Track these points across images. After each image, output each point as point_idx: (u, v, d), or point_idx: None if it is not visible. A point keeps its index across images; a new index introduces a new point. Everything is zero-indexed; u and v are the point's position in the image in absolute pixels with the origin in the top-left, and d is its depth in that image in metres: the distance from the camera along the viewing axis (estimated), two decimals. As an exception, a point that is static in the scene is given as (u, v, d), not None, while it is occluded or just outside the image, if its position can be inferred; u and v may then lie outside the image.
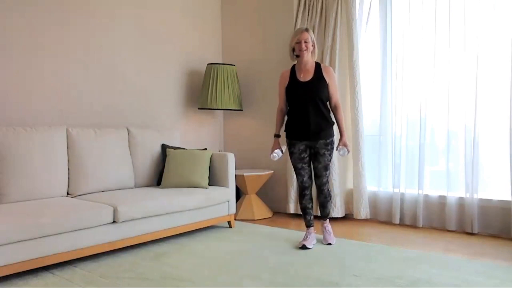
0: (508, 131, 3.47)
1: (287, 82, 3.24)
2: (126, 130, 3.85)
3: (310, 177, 3.29)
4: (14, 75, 3.40)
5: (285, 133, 3.30)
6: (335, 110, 3.24)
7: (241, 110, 4.73)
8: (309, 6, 4.35)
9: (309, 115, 3.13)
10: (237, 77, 4.64)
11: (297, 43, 3.15)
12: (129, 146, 3.80)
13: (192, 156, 3.78)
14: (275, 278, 2.56)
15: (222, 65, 4.50)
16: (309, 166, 3.28)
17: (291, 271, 2.68)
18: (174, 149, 3.90)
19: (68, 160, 3.37)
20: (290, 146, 3.26)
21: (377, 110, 4.16)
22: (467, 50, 3.65)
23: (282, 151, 3.31)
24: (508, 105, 3.45)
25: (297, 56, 3.18)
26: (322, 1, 4.27)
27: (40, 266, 2.60)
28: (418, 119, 3.90)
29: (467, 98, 3.67)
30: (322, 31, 4.27)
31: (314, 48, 3.19)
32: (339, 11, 4.16)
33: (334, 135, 3.24)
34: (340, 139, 3.22)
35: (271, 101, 4.80)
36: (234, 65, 4.64)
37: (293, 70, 3.26)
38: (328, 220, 3.43)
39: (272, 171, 4.59)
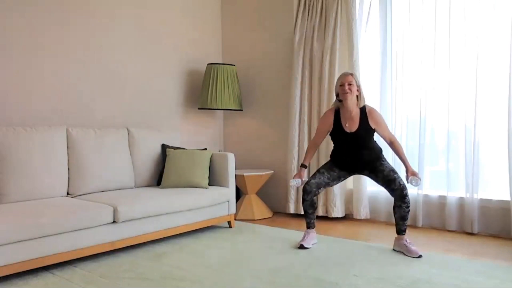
0: (507, 131, 3.47)
1: (330, 128, 3.20)
2: (126, 130, 3.85)
3: (318, 186, 3.16)
4: (14, 75, 3.40)
5: (330, 158, 3.30)
6: (391, 145, 3.17)
7: (241, 110, 4.73)
8: (309, 6, 4.35)
9: (353, 159, 3.14)
10: (237, 77, 4.65)
11: (340, 86, 3.10)
12: (129, 146, 3.80)
13: (192, 156, 3.78)
14: (275, 278, 2.56)
15: (222, 65, 4.50)
16: (329, 180, 3.20)
17: (291, 271, 2.68)
18: (174, 149, 3.90)
19: (68, 160, 3.37)
20: (330, 161, 3.26)
21: (377, 110, 4.16)
22: (467, 50, 3.65)
23: (302, 182, 3.26)
24: (507, 105, 3.45)
25: (340, 100, 3.15)
26: (322, 1, 4.27)
27: (40, 266, 2.59)
28: (418, 119, 3.90)
29: (467, 98, 3.67)
30: (322, 31, 4.28)
31: (359, 93, 3.13)
32: (339, 11, 4.17)
33: (381, 153, 3.19)
34: (407, 170, 3.08)
35: (271, 101, 4.80)
36: (234, 65, 4.64)
37: (337, 114, 3.19)
38: (405, 233, 3.09)
39: (272, 171, 4.59)
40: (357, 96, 3.12)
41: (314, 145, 3.33)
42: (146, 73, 4.36)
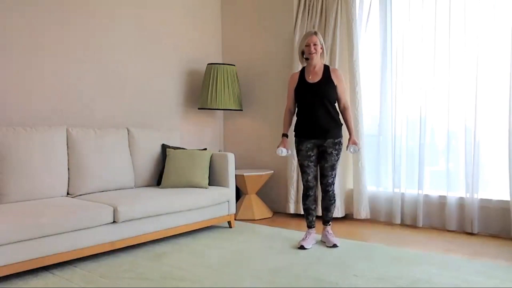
0: (507, 132, 3.48)
1: (296, 84, 3.28)
2: (126, 130, 3.85)
3: (315, 178, 3.28)
4: (14, 75, 3.40)
5: (294, 132, 3.34)
6: (344, 111, 3.27)
7: (241, 110, 4.73)
8: (309, 6, 4.35)
9: (317, 115, 3.17)
10: (237, 77, 4.64)
11: (306, 46, 3.19)
12: (129, 146, 3.80)
13: (192, 156, 3.78)
14: (275, 278, 2.56)
15: (222, 65, 4.50)
16: (315, 166, 3.28)
17: (291, 271, 2.68)
18: (174, 149, 3.90)
19: (68, 160, 3.37)
20: (298, 144, 3.28)
21: (377, 110, 4.16)
22: (467, 50, 3.65)
23: (288, 150, 3.32)
24: (508, 105, 3.46)
25: (307, 59, 3.23)
26: (322, 1, 4.27)
27: (40, 266, 2.59)
28: (418, 119, 3.90)
29: (467, 98, 3.67)
30: (322, 31, 4.27)
31: (323, 51, 3.24)
32: (339, 11, 4.17)
33: (342, 136, 3.25)
34: (350, 138, 3.24)
35: (271, 101, 4.80)
36: (234, 65, 4.64)
37: (302, 72, 3.30)
38: (330, 225, 3.36)
39: (272, 171, 4.59)
40: (320, 54, 3.23)
41: (288, 111, 3.39)
42: (146, 73, 4.36)
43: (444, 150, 3.86)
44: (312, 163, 3.26)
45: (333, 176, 3.24)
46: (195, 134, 4.85)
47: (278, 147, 3.32)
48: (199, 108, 4.61)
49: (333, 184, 3.27)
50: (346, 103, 3.27)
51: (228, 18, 5.12)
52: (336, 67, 4.14)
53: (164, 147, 3.98)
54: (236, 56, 5.06)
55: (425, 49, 3.86)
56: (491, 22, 3.56)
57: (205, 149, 4.00)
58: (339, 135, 3.22)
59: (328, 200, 3.29)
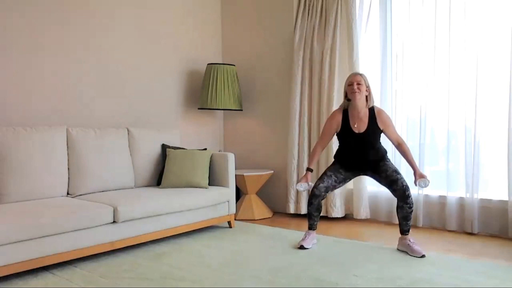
0: (506, 132, 3.48)
1: (338, 128, 3.19)
2: (126, 130, 3.85)
3: (326, 189, 3.17)
4: (14, 75, 3.40)
5: (334, 158, 3.30)
6: (399, 147, 3.16)
7: (241, 110, 4.73)
8: (309, 6, 4.35)
9: (359, 159, 3.14)
10: (237, 77, 4.64)
11: (349, 85, 3.10)
12: (129, 146, 3.80)
13: (192, 156, 3.78)
14: (275, 278, 2.56)
15: (222, 65, 4.50)
16: (336, 182, 3.20)
17: (291, 271, 2.68)
18: (174, 149, 3.90)
19: (68, 160, 3.37)
20: (335, 162, 3.25)
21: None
22: (467, 50, 3.65)
23: (309, 185, 3.23)
24: (508, 105, 3.46)
25: (349, 100, 3.14)
26: (322, 1, 4.27)
27: (40, 266, 2.59)
28: (418, 119, 3.90)
29: (467, 98, 3.67)
30: (322, 31, 4.27)
31: (369, 93, 3.12)
32: (339, 11, 4.17)
33: (386, 154, 3.21)
34: (415, 173, 3.07)
35: (271, 101, 4.80)
36: (234, 65, 4.64)
37: (345, 114, 3.17)
38: (408, 233, 3.09)
39: (272, 171, 4.59)
40: (366, 97, 3.12)
41: (320, 147, 3.28)
42: (146, 73, 4.36)
43: (444, 150, 3.86)
44: (335, 177, 3.18)
45: (403, 178, 3.05)
46: (195, 134, 4.85)
47: (299, 181, 3.23)
48: (199, 108, 4.61)
49: (409, 189, 3.02)
50: (399, 139, 3.16)
51: (228, 18, 5.12)
52: (336, 67, 4.14)
53: (164, 147, 3.98)
54: (236, 56, 5.06)
55: (425, 49, 3.86)
56: (491, 22, 3.56)
57: (205, 149, 4.00)
58: (383, 158, 3.16)
59: (408, 208, 3.02)
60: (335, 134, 3.25)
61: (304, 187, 3.20)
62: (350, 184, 4.27)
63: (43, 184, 3.15)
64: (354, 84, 3.06)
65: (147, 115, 4.36)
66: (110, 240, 2.95)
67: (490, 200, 3.63)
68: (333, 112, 3.27)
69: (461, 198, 3.73)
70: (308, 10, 4.36)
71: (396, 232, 3.74)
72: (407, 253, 3.01)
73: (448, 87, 3.76)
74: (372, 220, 4.22)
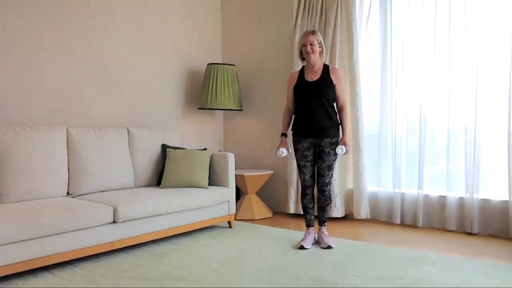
0: (506, 132, 3.47)
1: (295, 82, 3.28)
2: (126, 130, 3.85)
3: (312, 177, 3.28)
4: (14, 75, 3.40)
5: (292, 131, 3.34)
6: (340, 110, 3.26)
7: (241, 110, 4.73)
8: (309, 6, 4.35)
9: (314, 113, 3.17)
10: (237, 77, 4.64)
11: (303, 45, 3.19)
12: (129, 146, 3.80)
13: (192, 156, 3.78)
14: (275, 278, 2.56)
15: (222, 65, 4.50)
16: (312, 165, 3.28)
17: (291, 271, 2.68)
18: (174, 149, 3.90)
19: (68, 160, 3.37)
20: (295, 143, 3.29)
21: (377, 110, 4.16)
22: (467, 50, 3.65)
23: (288, 150, 3.32)
24: (507, 105, 3.46)
25: (303, 58, 3.24)
26: (322, 1, 4.27)
27: (40, 266, 2.60)
28: (418, 119, 3.90)
29: (467, 98, 3.67)
30: (322, 31, 4.27)
31: (322, 50, 3.22)
32: (339, 11, 4.17)
33: (340, 136, 3.25)
34: (341, 139, 3.22)
35: (271, 101, 4.80)
36: (234, 65, 4.64)
37: (302, 71, 3.30)
38: (325, 226, 3.35)
39: (272, 171, 4.59)
40: (320, 52, 3.22)
41: (287, 110, 3.39)
42: (146, 73, 4.36)
43: (444, 150, 3.86)
44: (309, 163, 3.26)
45: (330, 176, 3.24)
46: (195, 134, 4.85)
47: (278, 148, 3.31)
48: (199, 108, 4.61)
49: (330, 184, 3.26)
50: (344, 102, 3.25)
51: (228, 18, 5.12)
52: (336, 67, 4.14)
53: (164, 147, 3.98)
54: (236, 56, 5.06)
55: (425, 49, 3.86)
56: (491, 22, 3.56)
57: (205, 149, 4.00)
58: (336, 135, 3.22)
59: (324, 200, 3.29)
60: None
61: (284, 152, 3.29)
62: (350, 184, 4.28)
63: (43, 184, 3.15)
64: (307, 45, 3.16)
65: (147, 115, 4.36)
66: (110, 240, 2.95)
67: (490, 200, 3.63)
68: (291, 73, 3.42)
69: (461, 198, 3.73)
70: (308, 10, 4.36)
71: (396, 232, 3.74)
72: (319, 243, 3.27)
73: (448, 87, 3.76)
74: (372, 220, 4.22)
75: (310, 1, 4.34)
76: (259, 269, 2.72)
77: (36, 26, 3.52)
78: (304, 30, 4.33)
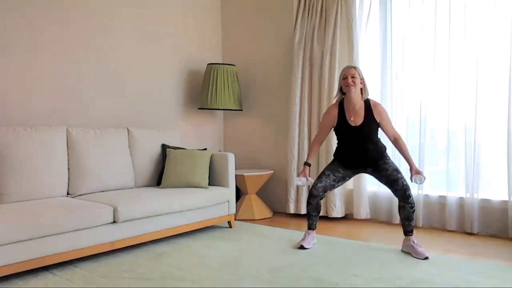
0: (506, 132, 3.47)
1: (335, 122, 3.17)
2: (126, 130, 3.85)
3: (324, 189, 3.16)
4: (14, 75, 3.40)
5: (334, 156, 3.28)
6: (395, 143, 3.14)
7: (241, 110, 4.73)
8: (309, 6, 4.35)
9: (358, 154, 3.11)
10: (237, 77, 4.64)
11: (344, 78, 3.07)
12: (129, 146, 3.80)
13: (192, 156, 3.78)
14: (275, 278, 2.56)
15: (222, 65, 4.50)
16: (335, 181, 3.18)
17: (291, 271, 2.68)
18: (174, 149, 3.90)
19: (68, 160, 3.37)
20: (334, 161, 3.24)
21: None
22: (467, 50, 3.65)
23: (307, 179, 3.21)
24: (507, 105, 3.46)
25: (344, 93, 3.13)
26: (322, 1, 4.27)
27: (40, 266, 2.59)
28: (418, 119, 3.90)
29: (467, 98, 3.67)
30: (322, 31, 4.28)
31: (363, 86, 3.11)
32: (339, 11, 4.17)
33: (385, 150, 3.17)
34: (411, 169, 3.06)
35: (271, 101, 4.80)
36: (234, 65, 4.64)
37: (341, 108, 3.16)
38: (413, 234, 3.07)
39: (272, 171, 4.59)
40: (361, 90, 3.11)
41: (318, 142, 3.28)
42: (146, 73, 4.36)
43: (444, 150, 3.86)
44: (333, 177, 3.16)
45: (403, 178, 3.03)
46: (195, 134, 4.85)
47: (298, 176, 3.22)
48: (199, 108, 4.61)
49: (410, 188, 3.01)
50: (395, 134, 3.14)
51: (228, 18, 5.12)
52: (336, 67, 4.14)
53: (164, 147, 3.98)
54: (236, 56, 5.06)
55: (425, 49, 3.86)
56: (491, 22, 3.56)
57: (205, 149, 4.00)
58: (383, 155, 3.13)
59: (410, 208, 3.00)
60: (332, 129, 3.24)
61: (303, 182, 3.19)
62: (350, 184, 4.28)
63: (43, 184, 3.15)
64: (348, 77, 3.04)
65: (147, 115, 4.36)
66: (110, 240, 2.95)
67: (490, 200, 3.63)
68: (329, 106, 3.26)
69: (461, 198, 3.73)
70: (308, 10, 4.36)
71: (396, 232, 3.74)
72: (410, 254, 3.00)
73: (448, 87, 3.76)
74: (372, 220, 4.22)
75: (310, 1, 4.35)
76: (259, 269, 2.72)
77: (36, 26, 3.52)
78: (305, 30, 4.34)
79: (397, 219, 3.99)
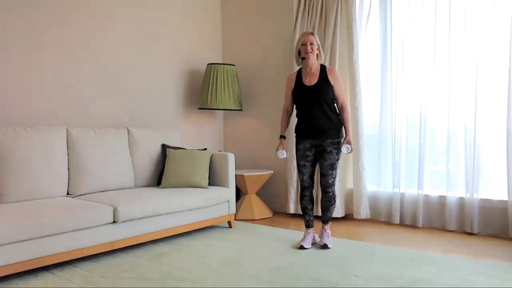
0: (506, 132, 3.47)
1: (293, 86, 3.29)
2: (126, 130, 3.85)
3: (311, 177, 3.29)
4: (14, 75, 3.40)
5: (294, 133, 3.35)
6: (341, 110, 3.25)
7: (241, 110, 4.73)
8: (309, 6, 4.35)
9: (314, 116, 3.18)
10: (237, 77, 4.64)
11: (302, 45, 3.20)
12: (129, 146, 3.80)
13: (192, 156, 3.78)
14: (275, 278, 2.56)
15: (222, 65, 4.50)
16: (312, 166, 3.28)
17: (291, 271, 2.68)
18: (174, 149, 3.90)
19: (68, 160, 3.37)
20: (297, 143, 3.30)
21: (377, 110, 4.16)
22: (467, 50, 3.65)
23: (287, 152, 3.33)
24: (506, 105, 3.45)
25: (303, 58, 3.23)
26: (322, 1, 4.27)
27: (40, 266, 2.60)
28: (418, 119, 3.90)
29: (467, 98, 3.67)
30: (322, 31, 4.27)
31: (319, 51, 3.24)
32: (339, 11, 4.17)
33: (342, 136, 3.24)
34: (345, 138, 3.21)
35: (271, 101, 4.80)
36: (234, 65, 4.64)
37: (299, 73, 3.30)
38: (329, 224, 3.35)
39: (272, 171, 4.59)
40: (317, 55, 3.23)
41: (285, 112, 3.39)
42: (146, 73, 4.36)
43: (444, 150, 3.86)
44: (309, 163, 3.27)
45: (333, 176, 3.22)
46: (195, 134, 4.85)
47: (277, 149, 3.32)
48: (199, 108, 4.61)
49: (333, 185, 3.24)
50: (344, 102, 3.24)
51: (228, 18, 5.12)
52: (336, 67, 4.14)
53: (164, 147, 3.98)
54: (236, 56, 5.06)
55: (425, 49, 3.86)
56: (491, 22, 3.56)
57: (205, 149, 4.00)
58: (338, 135, 3.22)
59: (328, 201, 3.27)
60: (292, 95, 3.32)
61: (284, 154, 3.30)
62: (350, 184, 4.28)
63: (43, 184, 3.15)
64: (307, 44, 3.16)
65: (147, 115, 4.36)
66: (110, 240, 2.95)
67: (490, 200, 3.63)
68: (289, 75, 3.40)
69: (461, 198, 3.73)
70: (308, 10, 4.36)
71: (396, 232, 3.74)
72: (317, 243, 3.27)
73: (448, 87, 3.76)
74: (372, 220, 4.22)
75: (310, 1, 4.34)
76: (259, 269, 2.72)
77: (36, 26, 3.52)
78: (304, 30, 4.34)
79: (397, 219, 3.99)
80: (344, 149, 3.16)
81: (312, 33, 3.21)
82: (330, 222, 3.39)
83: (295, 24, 4.41)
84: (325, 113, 3.18)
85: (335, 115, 3.23)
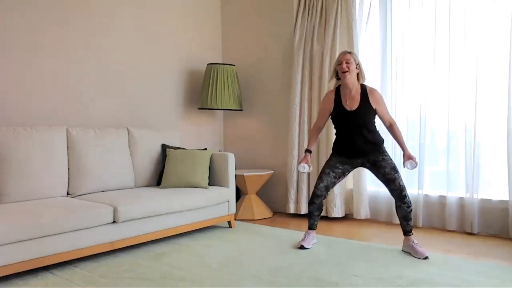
0: (506, 132, 3.47)
1: (331, 107, 3.18)
2: (126, 130, 3.85)
3: (326, 188, 3.16)
4: (14, 75, 3.40)
5: (332, 149, 3.27)
6: (390, 128, 3.16)
7: (241, 110, 4.73)
8: (309, 6, 4.35)
9: (355, 141, 3.09)
10: (237, 77, 4.64)
11: (338, 64, 3.09)
12: (129, 146, 3.80)
13: (192, 156, 3.78)
14: (275, 278, 2.56)
15: (222, 65, 4.50)
16: (335, 178, 3.18)
17: (291, 271, 2.68)
18: (174, 149, 3.90)
19: (68, 160, 3.37)
20: (332, 155, 3.23)
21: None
22: (467, 50, 3.65)
23: (309, 166, 3.23)
24: (506, 105, 3.45)
25: (339, 78, 3.14)
26: (322, 1, 4.27)
27: (40, 266, 2.59)
28: (418, 119, 3.90)
29: (467, 98, 3.67)
30: (322, 31, 4.27)
31: (359, 71, 3.12)
32: (339, 11, 4.17)
33: (383, 143, 3.16)
34: (404, 154, 3.08)
35: (271, 101, 4.80)
36: (234, 65, 4.64)
37: (337, 93, 3.17)
38: (412, 233, 3.09)
39: (272, 171, 4.59)
40: (357, 74, 3.12)
41: (317, 129, 3.30)
42: (146, 73, 4.36)
43: (444, 150, 3.86)
44: (334, 174, 3.16)
45: (400, 177, 3.03)
46: (195, 134, 4.85)
47: (300, 162, 3.23)
48: (199, 108, 4.61)
49: (406, 188, 3.03)
50: (391, 120, 3.15)
51: (228, 18, 5.12)
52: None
53: (164, 147, 3.98)
54: (236, 56, 5.06)
55: (425, 49, 3.86)
56: (491, 22, 3.56)
57: (205, 149, 4.00)
58: (380, 149, 3.12)
59: (406, 207, 3.01)
60: (330, 116, 3.24)
61: (306, 169, 3.20)
62: (350, 184, 4.27)
63: (43, 184, 3.15)
64: (343, 63, 3.05)
65: (147, 115, 4.36)
66: (110, 240, 2.95)
67: (490, 200, 3.63)
68: (327, 92, 3.28)
69: (461, 198, 3.73)
70: (308, 10, 4.36)
71: (396, 232, 3.74)
72: (410, 254, 3.00)
73: (448, 87, 3.76)
74: (372, 220, 4.22)
75: (310, 1, 4.35)
76: (259, 269, 2.72)
77: (36, 26, 3.52)
78: (305, 30, 4.34)
79: (397, 219, 3.98)
80: (408, 165, 3.02)
81: (350, 52, 3.09)
82: (413, 232, 3.14)
83: (295, 24, 4.41)
84: (365, 138, 3.08)
85: (374, 135, 3.12)
